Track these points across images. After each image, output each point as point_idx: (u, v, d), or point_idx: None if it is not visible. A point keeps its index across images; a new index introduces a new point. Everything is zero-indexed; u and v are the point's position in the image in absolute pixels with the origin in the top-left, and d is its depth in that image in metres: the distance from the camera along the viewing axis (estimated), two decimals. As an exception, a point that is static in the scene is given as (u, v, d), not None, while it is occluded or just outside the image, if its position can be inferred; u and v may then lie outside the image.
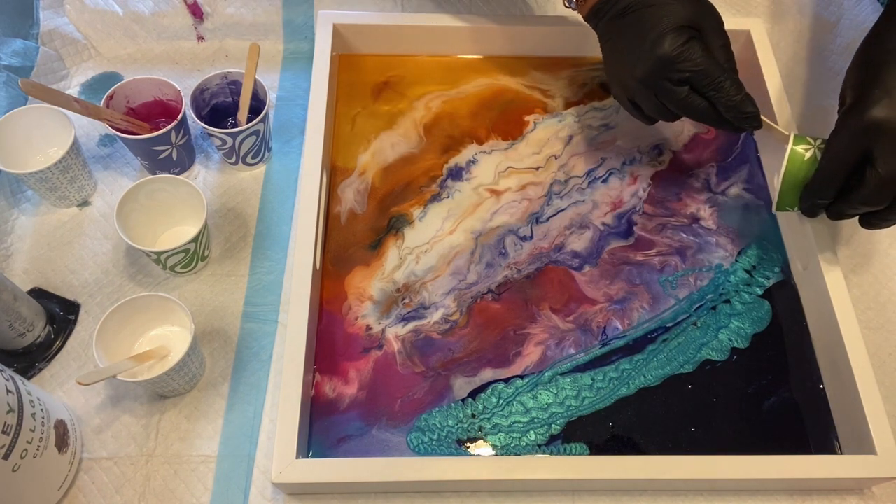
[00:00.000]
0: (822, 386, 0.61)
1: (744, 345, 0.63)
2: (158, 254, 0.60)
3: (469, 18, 0.76)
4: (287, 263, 0.66)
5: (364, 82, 0.76)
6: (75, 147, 0.65)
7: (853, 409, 0.57)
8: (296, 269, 0.60)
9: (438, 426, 0.58)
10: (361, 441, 0.58)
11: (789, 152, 0.57)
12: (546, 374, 0.61)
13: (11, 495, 0.49)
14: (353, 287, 0.65)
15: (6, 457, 0.47)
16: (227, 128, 0.66)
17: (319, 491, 0.56)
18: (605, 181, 0.71)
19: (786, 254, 0.67)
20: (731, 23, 0.76)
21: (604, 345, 0.62)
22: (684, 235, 0.68)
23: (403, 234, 0.67)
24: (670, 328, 0.63)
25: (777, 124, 0.63)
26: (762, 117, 0.59)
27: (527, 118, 0.75)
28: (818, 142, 0.57)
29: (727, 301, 0.65)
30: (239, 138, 0.67)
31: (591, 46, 0.77)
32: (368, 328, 0.63)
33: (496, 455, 0.57)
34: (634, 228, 0.68)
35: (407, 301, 0.64)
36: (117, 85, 0.67)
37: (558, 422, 0.59)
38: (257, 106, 0.69)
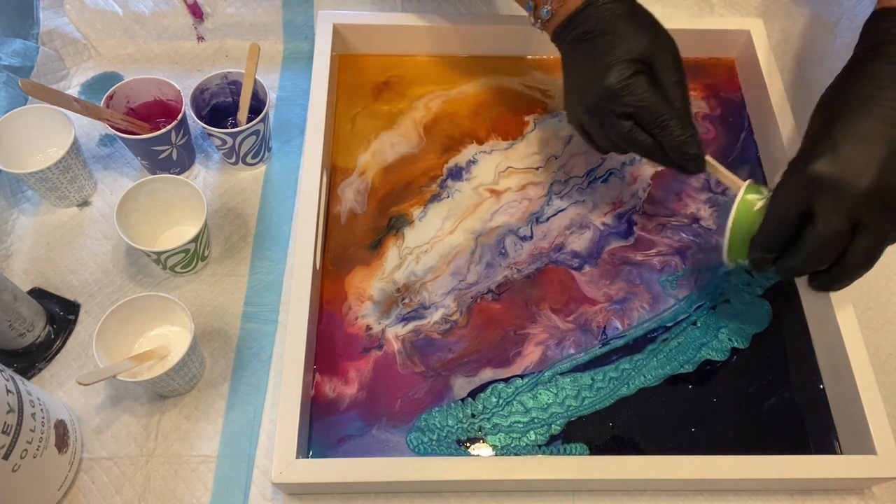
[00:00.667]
0: (822, 386, 0.61)
1: (744, 345, 0.63)
2: (158, 254, 0.60)
3: (469, 18, 0.76)
4: (287, 263, 0.66)
5: (364, 82, 0.76)
6: (75, 147, 0.65)
7: (853, 409, 0.57)
8: (296, 269, 0.60)
9: (438, 426, 0.58)
10: (361, 441, 0.58)
11: (739, 201, 0.54)
12: (546, 374, 0.61)
13: (11, 495, 0.49)
14: (353, 287, 0.65)
15: (6, 457, 0.47)
16: (227, 128, 0.66)
17: (319, 491, 0.56)
18: (605, 181, 0.71)
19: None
20: (731, 23, 0.77)
21: (604, 345, 0.62)
22: (684, 235, 0.68)
23: (403, 234, 0.67)
24: (670, 328, 0.63)
25: (741, 178, 0.57)
26: (710, 160, 0.57)
27: (527, 118, 0.75)
28: (770, 193, 0.54)
29: (727, 301, 0.65)
30: (239, 138, 0.67)
31: (591, 46, 0.77)
32: (368, 328, 0.63)
33: (496, 455, 0.57)
34: (634, 228, 0.68)
35: (407, 301, 0.64)
36: (117, 85, 0.67)
37: (558, 422, 0.59)
38: (257, 106, 0.69)
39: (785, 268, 0.53)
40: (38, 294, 0.64)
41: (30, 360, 0.61)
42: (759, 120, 0.74)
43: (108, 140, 0.73)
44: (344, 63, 0.77)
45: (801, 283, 0.65)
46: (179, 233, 0.66)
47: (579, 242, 0.67)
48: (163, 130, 0.65)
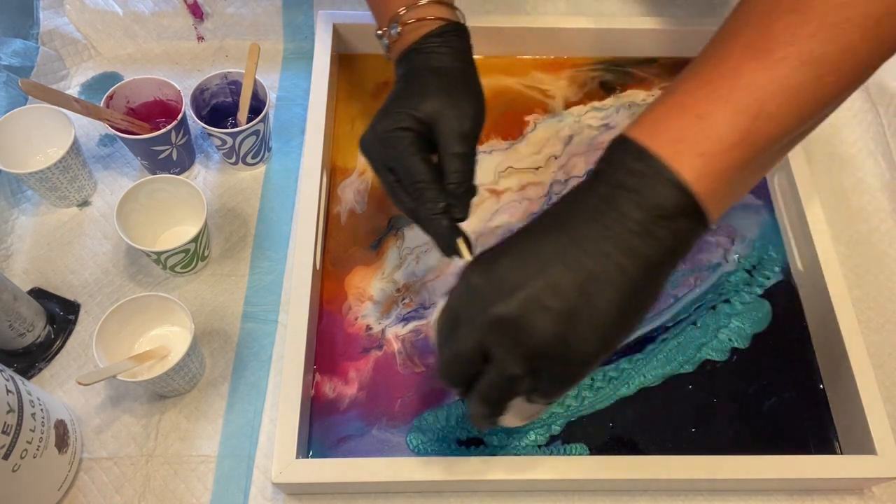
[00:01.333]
0: (822, 386, 0.61)
1: (744, 345, 0.63)
2: (158, 254, 0.60)
3: (469, 18, 0.76)
4: (287, 263, 0.66)
5: (364, 82, 0.76)
6: (75, 147, 0.65)
7: (853, 409, 0.57)
8: (296, 269, 0.60)
9: (438, 426, 0.58)
10: (361, 441, 0.58)
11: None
12: (546, 374, 0.61)
13: (11, 495, 0.49)
14: (353, 287, 0.65)
15: (6, 457, 0.47)
16: (227, 128, 0.66)
17: (319, 491, 0.56)
18: (605, 181, 0.71)
19: (786, 254, 0.67)
20: (731, 23, 0.77)
21: (604, 345, 0.62)
22: (684, 235, 0.68)
23: (403, 234, 0.67)
24: (670, 328, 0.63)
25: None
26: (464, 248, 0.50)
27: (527, 118, 0.75)
28: None
29: (727, 301, 0.65)
30: (239, 138, 0.67)
31: (591, 47, 0.78)
32: (368, 328, 0.63)
33: (496, 455, 0.57)
34: (634, 228, 0.68)
35: (407, 301, 0.64)
36: (117, 85, 0.67)
37: (558, 422, 0.59)
38: (257, 106, 0.69)
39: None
40: (38, 294, 0.64)
41: (30, 360, 0.61)
42: (759, 120, 0.74)
43: (108, 140, 0.73)
44: (344, 63, 0.77)
45: (802, 282, 0.65)
46: (179, 233, 0.66)
47: (579, 242, 0.67)
48: (163, 130, 0.65)
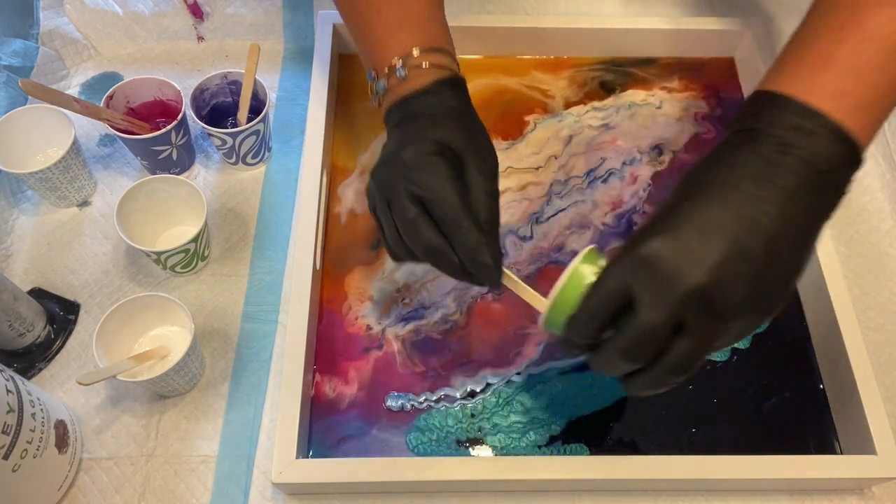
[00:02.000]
0: (822, 386, 0.61)
1: (744, 345, 0.63)
2: (158, 254, 0.60)
3: (469, 18, 0.76)
4: (287, 263, 0.66)
5: (364, 82, 0.75)
6: (75, 147, 0.65)
7: (853, 409, 0.57)
8: (296, 269, 0.60)
9: (438, 426, 0.58)
10: (361, 441, 0.58)
11: (572, 269, 0.45)
12: (546, 374, 0.61)
13: (11, 495, 0.49)
14: (353, 287, 0.65)
15: (6, 457, 0.47)
16: (227, 128, 0.66)
17: (319, 491, 0.56)
18: (605, 181, 0.71)
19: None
20: (731, 23, 0.77)
21: (604, 345, 0.62)
22: (684, 235, 0.68)
23: (403, 234, 0.67)
24: (670, 328, 0.63)
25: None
26: (510, 275, 0.49)
27: (527, 118, 0.75)
28: None
29: (727, 301, 0.65)
30: (239, 138, 0.67)
31: (591, 47, 0.78)
32: (368, 328, 0.63)
33: (496, 455, 0.57)
34: (634, 228, 0.68)
35: (407, 301, 0.64)
36: (117, 85, 0.67)
37: (558, 422, 0.59)
38: (257, 106, 0.69)
39: (598, 359, 0.43)
40: (38, 294, 0.64)
41: (30, 360, 0.61)
42: (759, 120, 0.74)
43: (108, 140, 0.73)
44: (344, 63, 0.77)
45: (802, 282, 0.65)
46: (179, 233, 0.66)
47: (579, 242, 0.67)
48: (163, 130, 0.65)
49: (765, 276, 0.39)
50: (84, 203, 0.70)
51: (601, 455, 0.57)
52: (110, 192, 0.70)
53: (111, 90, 0.66)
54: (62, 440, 0.54)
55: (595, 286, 0.43)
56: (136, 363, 0.56)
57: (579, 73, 0.77)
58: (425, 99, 0.50)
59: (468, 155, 0.48)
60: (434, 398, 0.60)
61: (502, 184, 0.70)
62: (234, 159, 0.70)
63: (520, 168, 0.71)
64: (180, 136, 0.67)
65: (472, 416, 0.59)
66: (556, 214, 0.69)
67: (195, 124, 0.67)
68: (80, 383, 0.52)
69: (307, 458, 0.56)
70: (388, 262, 0.66)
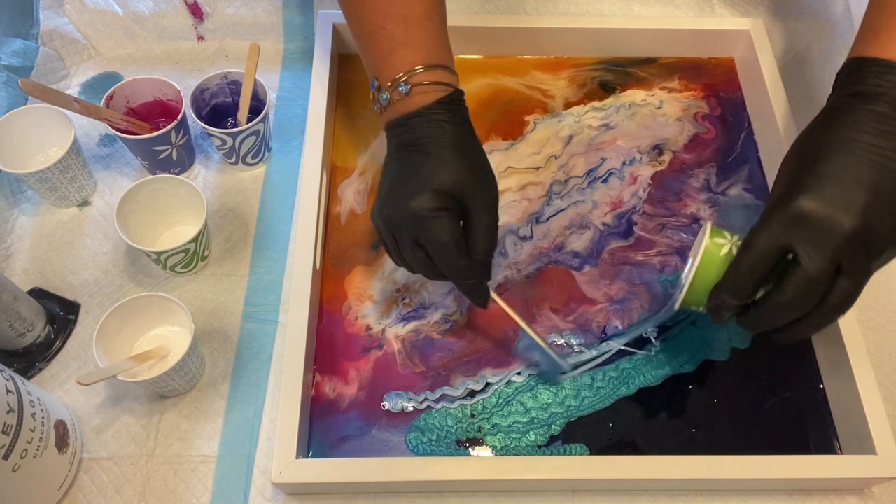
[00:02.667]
0: (822, 386, 0.61)
1: (744, 345, 0.63)
2: (158, 254, 0.60)
3: (469, 18, 0.76)
4: (287, 263, 0.66)
5: (364, 82, 0.75)
6: (75, 147, 0.65)
7: (853, 409, 0.57)
8: (296, 269, 0.60)
9: (438, 426, 0.58)
10: (361, 441, 0.58)
11: (705, 246, 0.50)
12: (546, 374, 0.61)
13: (11, 495, 0.49)
14: (353, 287, 0.65)
15: (6, 457, 0.47)
16: (227, 128, 0.66)
17: (319, 491, 0.56)
18: (605, 181, 0.71)
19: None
20: (731, 23, 0.77)
21: (603, 344, 0.62)
22: (684, 235, 0.68)
23: (403, 234, 0.67)
24: (670, 328, 0.63)
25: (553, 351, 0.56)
26: (497, 300, 0.55)
27: (527, 118, 0.75)
28: (735, 237, 0.51)
29: (727, 301, 0.65)
30: (239, 138, 0.67)
31: (590, 46, 0.78)
32: (368, 328, 0.63)
33: (496, 455, 0.57)
34: (634, 228, 0.68)
35: (407, 301, 0.64)
36: (117, 85, 0.67)
37: (558, 422, 0.59)
38: (257, 106, 0.69)
39: (757, 316, 0.49)
40: (38, 294, 0.64)
41: (30, 360, 0.61)
42: (759, 120, 0.74)
43: (108, 140, 0.73)
44: (344, 63, 0.77)
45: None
46: (179, 233, 0.66)
47: (579, 242, 0.67)
48: (163, 130, 0.65)
49: None
50: (84, 203, 0.70)
51: (601, 455, 0.57)
52: (110, 192, 0.70)
53: (111, 90, 0.66)
54: (62, 440, 0.54)
55: (747, 248, 0.48)
56: (136, 363, 0.56)
57: (579, 73, 0.78)
58: (426, 125, 0.53)
59: (472, 199, 0.52)
60: (434, 398, 0.60)
61: (502, 184, 0.70)
62: (234, 159, 0.70)
63: (520, 168, 0.71)
64: (180, 136, 0.67)
65: (472, 416, 0.59)
66: (556, 214, 0.69)
67: (195, 124, 0.67)
68: (80, 383, 0.52)
69: (307, 458, 0.56)
70: (388, 262, 0.66)
